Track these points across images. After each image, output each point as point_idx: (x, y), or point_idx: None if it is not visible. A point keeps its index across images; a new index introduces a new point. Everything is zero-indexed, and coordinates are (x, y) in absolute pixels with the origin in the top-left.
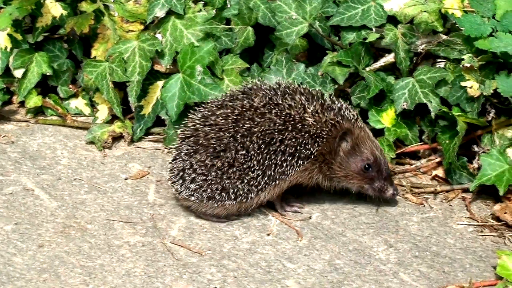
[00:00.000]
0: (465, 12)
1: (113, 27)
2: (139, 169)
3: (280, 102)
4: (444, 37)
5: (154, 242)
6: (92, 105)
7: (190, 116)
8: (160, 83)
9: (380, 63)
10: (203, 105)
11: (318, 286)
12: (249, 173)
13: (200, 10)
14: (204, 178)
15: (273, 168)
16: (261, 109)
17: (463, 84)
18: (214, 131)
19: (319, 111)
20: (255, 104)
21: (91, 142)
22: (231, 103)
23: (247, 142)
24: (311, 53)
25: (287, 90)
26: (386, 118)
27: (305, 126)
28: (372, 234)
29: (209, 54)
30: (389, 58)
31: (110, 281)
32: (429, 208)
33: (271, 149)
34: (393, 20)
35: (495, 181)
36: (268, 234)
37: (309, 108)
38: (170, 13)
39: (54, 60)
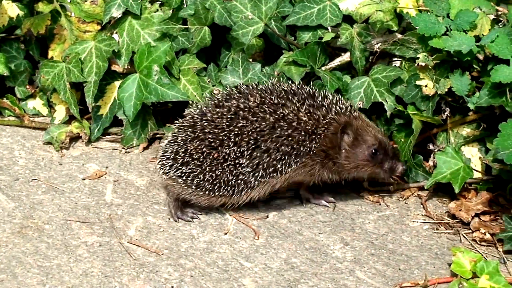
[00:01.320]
0: (420, 11)
1: (70, 28)
2: (96, 169)
3: (274, 101)
4: (399, 36)
5: (111, 242)
6: (50, 106)
7: (188, 111)
8: (117, 83)
9: (336, 62)
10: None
11: (275, 285)
12: (240, 169)
13: (157, 10)
14: (198, 164)
15: (264, 166)
16: (255, 108)
17: (418, 82)
18: (210, 127)
19: (312, 108)
20: (250, 103)
21: (49, 143)
22: (227, 103)
23: (240, 141)
24: (268, 52)
25: (282, 90)
26: None
27: (301, 124)
28: (328, 233)
29: (166, 54)
30: (345, 57)
31: (67, 281)
32: (385, 206)
33: (262, 147)
34: (348, 19)
35: (451, 179)
36: (225, 233)
37: (303, 107)
38: (126, 13)
39: (11, 60)
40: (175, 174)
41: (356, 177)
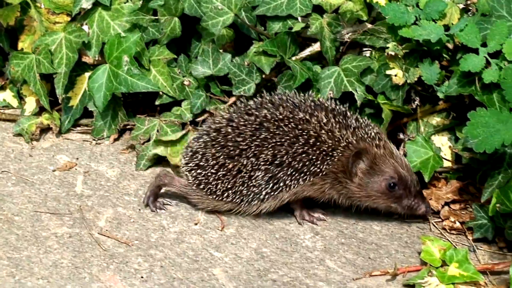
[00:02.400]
0: (389, 0)
1: (39, 19)
2: (67, 160)
3: (299, 116)
4: (369, 26)
5: (81, 233)
6: (20, 97)
7: (219, 113)
8: (87, 75)
9: (306, 52)
10: (236, 105)
11: (245, 274)
12: (254, 181)
13: (127, 1)
14: (212, 171)
15: (276, 180)
16: (279, 121)
17: (388, 72)
18: (234, 133)
19: (335, 129)
20: (277, 115)
21: (19, 135)
22: (257, 112)
23: (259, 153)
24: (238, 43)
25: (313, 104)
26: None
27: (318, 143)
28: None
29: (136, 44)
30: (315, 47)
31: (37, 272)
32: None
33: (277, 161)
34: (318, 9)
35: (421, 168)
36: (196, 224)
37: (326, 126)
38: (96, 4)
39: None
40: (188, 168)
41: (370, 207)
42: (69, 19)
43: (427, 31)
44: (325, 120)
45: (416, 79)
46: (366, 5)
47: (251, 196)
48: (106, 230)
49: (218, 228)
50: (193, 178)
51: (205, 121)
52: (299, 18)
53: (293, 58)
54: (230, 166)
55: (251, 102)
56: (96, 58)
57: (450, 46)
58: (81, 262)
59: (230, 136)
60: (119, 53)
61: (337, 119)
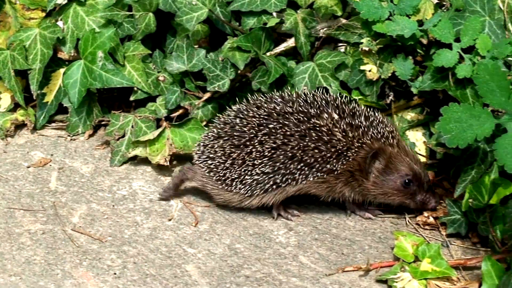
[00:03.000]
0: None
1: (14, 15)
2: (41, 157)
3: (311, 111)
4: (344, 21)
5: (55, 229)
6: None
7: (233, 108)
8: (63, 70)
9: (281, 47)
10: (247, 100)
11: (218, 270)
12: (258, 170)
13: None
14: (221, 161)
15: (283, 172)
16: (290, 114)
17: (362, 67)
18: (242, 124)
19: (349, 127)
20: (287, 109)
21: None
22: (266, 105)
23: (265, 141)
24: (213, 38)
25: (324, 101)
26: None
27: (332, 140)
28: (272, 218)
29: (110, 40)
30: (290, 42)
31: (9, 269)
32: None
33: (288, 153)
34: (293, 5)
35: None
36: (170, 220)
37: (339, 123)
38: (71, 0)
39: None
40: (200, 163)
41: (384, 202)
42: (44, 15)
43: (400, 26)
44: (337, 118)
45: (390, 74)
46: (341, 0)
47: (257, 186)
48: (80, 226)
49: (192, 224)
50: (207, 170)
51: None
52: (274, 14)
53: (268, 54)
54: (235, 155)
55: (261, 97)
56: (72, 54)
57: (424, 41)
58: (54, 259)
59: (237, 127)
60: (93, 48)
61: (349, 118)
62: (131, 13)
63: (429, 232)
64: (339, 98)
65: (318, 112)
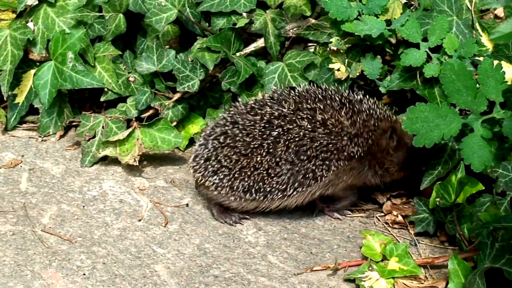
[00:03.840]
0: None
1: None
2: (12, 158)
3: (311, 107)
4: (313, 21)
5: (24, 230)
6: None
7: (220, 115)
8: (33, 71)
9: (251, 48)
10: (233, 108)
11: (187, 270)
12: (275, 178)
13: None
14: (228, 171)
15: (301, 175)
16: (290, 116)
17: (330, 66)
18: (242, 134)
19: (352, 113)
20: (284, 110)
21: None
22: (260, 110)
23: (274, 150)
24: (184, 39)
25: (318, 94)
26: None
27: (344, 129)
28: (242, 218)
29: (80, 41)
30: (260, 43)
31: None
32: None
33: (301, 156)
34: (263, 5)
35: None
36: (139, 220)
37: (341, 111)
38: (41, 1)
39: None
40: (206, 179)
41: (394, 179)
42: (14, 16)
43: (369, 26)
44: (339, 107)
45: (358, 73)
46: (310, 0)
47: (275, 192)
48: (50, 227)
49: (162, 224)
50: (213, 184)
51: (205, 128)
52: (244, 14)
53: (238, 54)
54: (245, 163)
55: (250, 102)
56: (43, 55)
57: (393, 41)
58: (24, 260)
59: (238, 138)
60: (64, 49)
61: (349, 105)
62: (101, 14)
63: (397, 231)
64: (328, 89)
65: (320, 106)
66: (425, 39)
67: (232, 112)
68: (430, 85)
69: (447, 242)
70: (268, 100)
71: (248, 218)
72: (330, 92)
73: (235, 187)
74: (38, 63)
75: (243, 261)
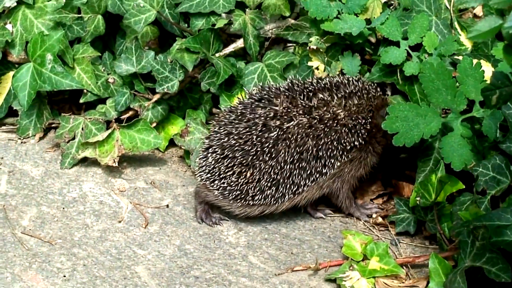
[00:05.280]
0: None
1: None
2: None
3: (303, 103)
4: (292, 21)
5: (4, 233)
6: None
7: (212, 124)
8: (12, 73)
9: (230, 48)
10: (224, 113)
11: (167, 272)
12: (281, 180)
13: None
14: (233, 182)
15: (308, 173)
16: (284, 116)
17: (310, 64)
18: (239, 143)
19: (344, 100)
20: (277, 109)
21: None
22: (251, 114)
23: (276, 153)
24: (163, 40)
25: (305, 88)
26: None
27: (340, 121)
28: (222, 219)
29: (59, 42)
30: (239, 43)
31: None
32: None
33: (304, 155)
34: (241, 5)
35: None
36: (120, 221)
37: (333, 101)
38: (20, 3)
39: None
40: (213, 188)
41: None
42: None
43: (348, 25)
44: (329, 98)
45: (338, 72)
46: (289, 0)
47: (284, 192)
48: (30, 229)
49: (142, 225)
50: (219, 190)
51: (205, 140)
52: (223, 15)
53: (217, 55)
54: (248, 174)
55: (239, 107)
56: (22, 57)
57: (373, 39)
58: (3, 262)
59: (235, 148)
60: (42, 51)
61: (339, 93)
62: (80, 15)
63: (377, 230)
64: (311, 79)
65: (312, 100)
66: (405, 38)
67: (221, 123)
68: (410, 82)
69: (428, 241)
70: (256, 102)
71: (227, 220)
72: (314, 83)
73: (243, 196)
74: (16, 65)
75: (224, 261)
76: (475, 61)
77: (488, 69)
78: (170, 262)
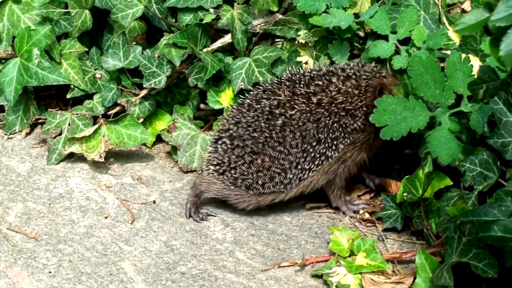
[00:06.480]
0: None
1: None
2: None
3: (304, 91)
4: (280, 16)
5: None
6: None
7: (222, 117)
8: None
9: (218, 43)
10: (233, 107)
11: (154, 267)
12: (288, 166)
13: None
14: (244, 172)
15: (313, 157)
16: (289, 102)
17: (298, 59)
18: (248, 132)
19: (342, 84)
20: (281, 98)
21: None
22: (258, 105)
23: (283, 139)
24: (150, 35)
25: (305, 76)
26: (225, 99)
27: (338, 105)
28: (208, 214)
29: (46, 37)
30: (227, 38)
31: None
32: None
33: (309, 140)
34: (230, 0)
35: None
36: (106, 217)
37: (332, 86)
38: None
39: None
40: (223, 179)
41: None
42: None
43: (337, 19)
44: (327, 83)
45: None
46: None
47: (291, 179)
48: (15, 225)
49: (128, 221)
50: (229, 180)
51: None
52: (211, 10)
53: (205, 50)
54: (259, 161)
55: (246, 99)
56: (9, 52)
57: (362, 34)
58: None
59: (245, 137)
60: (29, 46)
61: (335, 78)
62: (67, 10)
63: (365, 227)
64: (305, 67)
65: (312, 87)
66: (394, 32)
67: (232, 114)
68: (399, 73)
69: (415, 237)
70: (261, 93)
71: (214, 215)
72: (315, 72)
73: (253, 183)
74: (3, 60)
75: (211, 257)
76: (463, 55)
77: (476, 64)
78: (156, 258)
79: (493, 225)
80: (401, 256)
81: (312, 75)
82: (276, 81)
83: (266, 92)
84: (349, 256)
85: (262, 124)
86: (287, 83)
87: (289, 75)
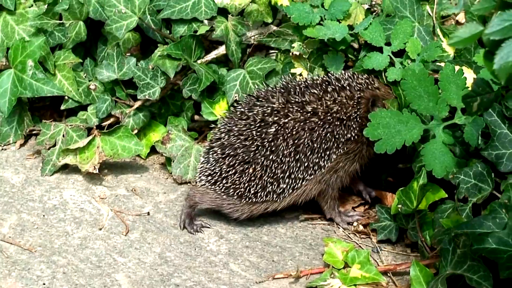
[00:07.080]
0: (293, 1)
1: None
2: None
3: (299, 99)
4: (275, 28)
5: None
6: None
7: (214, 127)
8: None
9: (212, 55)
10: (226, 115)
11: (148, 279)
12: (281, 174)
13: (31, 6)
14: (235, 181)
15: (305, 166)
16: (282, 110)
17: (292, 70)
18: (239, 140)
19: (336, 94)
20: (274, 106)
21: None
22: (251, 112)
23: (276, 147)
24: (145, 46)
25: (300, 85)
26: (219, 110)
27: (333, 115)
28: (203, 226)
29: (40, 48)
30: (221, 50)
31: None
32: None
33: (302, 148)
34: (224, 12)
35: None
36: (100, 229)
37: (327, 96)
38: (1, 9)
39: None
40: (215, 189)
41: None
42: None
43: (331, 31)
44: (322, 92)
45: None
46: (271, 7)
47: (284, 188)
48: (9, 236)
49: (122, 233)
50: (222, 190)
51: (207, 139)
52: (205, 21)
53: (199, 61)
54: (251, 170)
55: (238, 107)
56: (3, 63)
57: (356, 45)
58: None
59: (236, 145)
60: (23, 57)
61: (330, 88)
62: (61, 21)
63: (359, 238)
64: (299, 78)
65: (306, 96)
66: (388, 44)
67: (224, 122)
68: (394, 85)
69: (409, 249)
70: (254, 100)
71: (209, 227)
72: (308, 80)
73: (246, 191)
74: None
75: (205, 269)
76: (457, 67)
77: (470, 76)
78: (150, 269)
79: (488, 237)
80: (396, 268)
81: (307, 84)
82: (270, 89)
83: (260, 100)
84: (344, 268)
85: (254, 132)
86: (282, 91)
87: (284, 83)
